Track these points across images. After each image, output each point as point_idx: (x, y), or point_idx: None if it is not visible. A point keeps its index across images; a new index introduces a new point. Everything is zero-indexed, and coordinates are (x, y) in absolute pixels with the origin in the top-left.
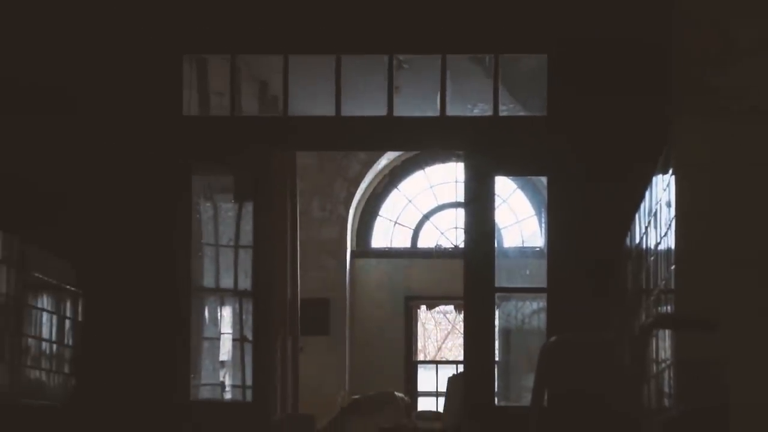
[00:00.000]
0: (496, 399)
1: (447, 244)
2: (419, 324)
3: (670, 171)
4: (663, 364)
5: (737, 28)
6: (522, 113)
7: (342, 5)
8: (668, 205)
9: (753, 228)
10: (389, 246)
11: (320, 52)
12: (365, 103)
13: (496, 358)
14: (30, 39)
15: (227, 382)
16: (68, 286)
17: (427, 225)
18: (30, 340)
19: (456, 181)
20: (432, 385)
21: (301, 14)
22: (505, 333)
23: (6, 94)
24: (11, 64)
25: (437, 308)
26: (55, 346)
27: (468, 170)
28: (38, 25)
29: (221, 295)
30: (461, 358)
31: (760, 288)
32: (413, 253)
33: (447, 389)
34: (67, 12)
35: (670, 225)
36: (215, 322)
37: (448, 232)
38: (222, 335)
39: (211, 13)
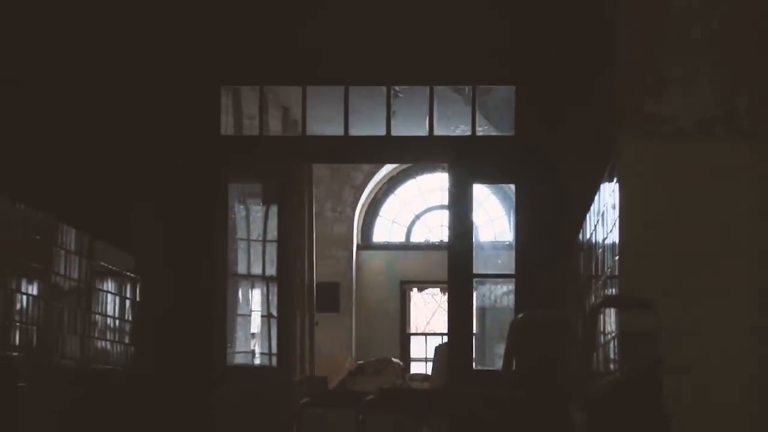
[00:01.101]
0: (473, 363)
1: (434, 238)
2: (411, 303)
3: (615, 180)
4: (609, 336)
5: (668, 66)
6: (494, 133)
7: (349, 46)
8: (613, 207)
9: (681, 226)
10: (387, 240)
11: (331, 83)
12: (368, 125)
13: (474, 331)
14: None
15: (257, 350)
16: (128, 273)
17: (418, 223)
18: (97, 316)
19: (441, 188)
20: (422, 353)
21: (316, 54)
22: (481, 310)
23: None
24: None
25: (426, 290)
26: (117, 322)
27: (451, 179)
28: (120, 70)
29: (252, 280)
30: (446, 330)
31: (686, 274)
32: (407, 246)
33: (434, 356)
34: (140, 61)
35: (614, 223)
36: (247, 301)
37: (435, 229)
38: (252, 312)
39: (244, 53)
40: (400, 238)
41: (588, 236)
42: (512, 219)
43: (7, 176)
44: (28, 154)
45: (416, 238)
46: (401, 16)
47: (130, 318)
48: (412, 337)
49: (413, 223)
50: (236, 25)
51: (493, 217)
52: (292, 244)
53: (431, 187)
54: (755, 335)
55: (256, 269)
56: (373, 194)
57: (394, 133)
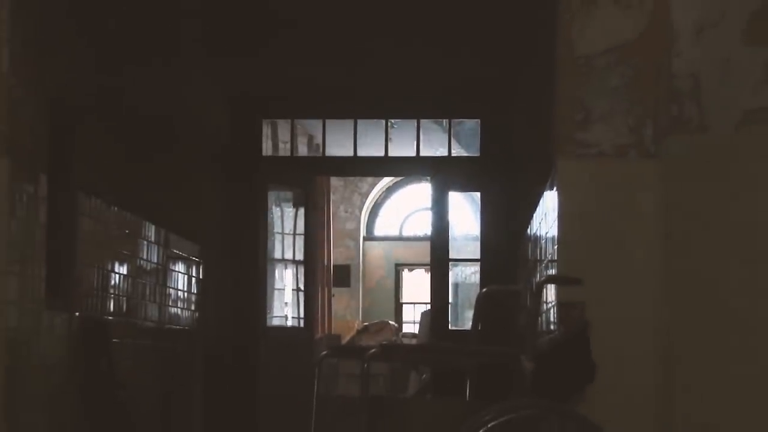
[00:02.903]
0: (449, 325)
1: (420, 232)
2: (403, 280)
3: (554, 189)
4: (550, 305)
5: (593, 106)
6: (465, 154)
7: (357, 90)
8: (553, 209)
9: (602, 222)
10: (386, 234)
11: (345, 117)
12: (371, 147)
13: (450, 301)
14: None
15: (289, 315)
16: (194, 258)
17: (408, 221)
18: (171, 289)
19: (425, 195)
20: (411, 317)
21: (333, 95)
22: (455, 285)
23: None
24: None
25: (414, 271)
26: (185, 294)
27: (432, 188)
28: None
29: (285, 262)
30: (429, 300)
31: (606, 258)
32: (400, 238)
33: (420, 319)
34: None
35: (554, 221)
36: (281, 278)
37: (421, 225)
38: (285, 287)
39: (279, 96)
40: (395, 232)
41: (534, 231)
42: (478, 218)
43: (105, 187)
44: (120, 171)
45: (407, 232)
46: (396, 67)
47: (195, 291)
48: (404, 305)
49: (405, 220)
50: (273, 76)
51: (464, 216)
52: (314, 236)
53: (418, 194)
54: (657, 303)
55: (288, 255)
56: (375, 199)
57: (391, 154)
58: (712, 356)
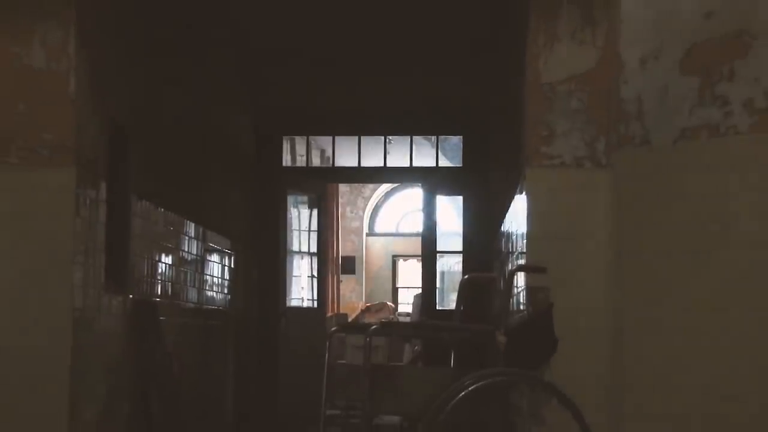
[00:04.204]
0: (437, 306)
1: (413, 229)
2: (399, 268)
3: (524, 193)
4: (520, 289)
5: (555, 124)
6: (450, 165)
7: (361, 112)
8: (523, 210)
9: (562, 220)
10: (385, 231)
11: (350, 134)
12: (372, 159)
13: (437, 285)
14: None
15: (305, 297)
16: (227, 250)
17: (403, 220)
18: (207, 276)
19: (417, 198)
20: (406, 299)
21: (341, 117)
22: (441, 273)
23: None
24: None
25: (408, 261)
26: (219, 280)
27: (423, 193)
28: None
29: (301, 254)
30: (420, 285)
31: (565, 250)
32: (397, 234)
33: (413, 301)
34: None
35: (523, 220)
36: (298, 267)
37: (414, 223)
38: (301, 274)
39: (297, 117)
40: (392, 229)
41: (507, 228)
42: (461, 217)
43: (153, 192)
44: (166, 178)
45: (402, 229)
46: (393, 94)
47: (227, 278)
48: (400, 289)
49: (401, 219)
50: (292, 102)
51: (449, 216)
52: (325, 232)
53: (411, 197)
54: (609, 288)
55: (304, 248)
56: (375, 202)
57: (389, 164)
58: (656, 331)
